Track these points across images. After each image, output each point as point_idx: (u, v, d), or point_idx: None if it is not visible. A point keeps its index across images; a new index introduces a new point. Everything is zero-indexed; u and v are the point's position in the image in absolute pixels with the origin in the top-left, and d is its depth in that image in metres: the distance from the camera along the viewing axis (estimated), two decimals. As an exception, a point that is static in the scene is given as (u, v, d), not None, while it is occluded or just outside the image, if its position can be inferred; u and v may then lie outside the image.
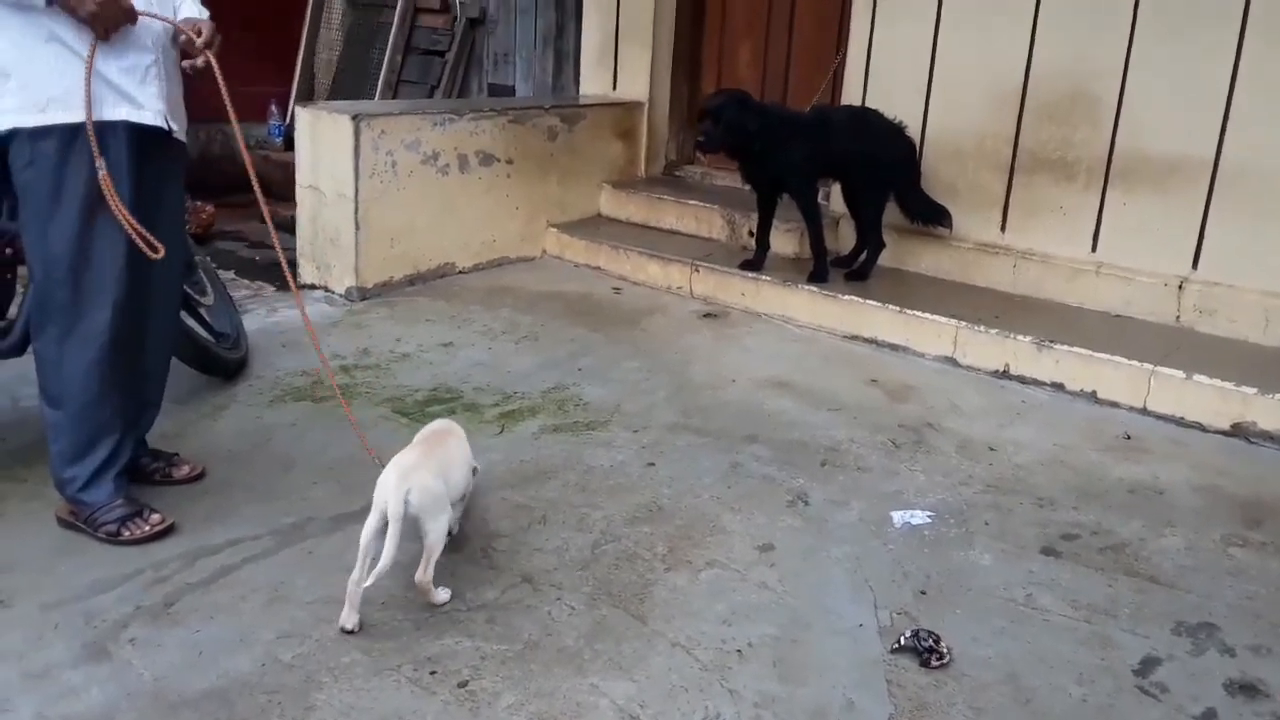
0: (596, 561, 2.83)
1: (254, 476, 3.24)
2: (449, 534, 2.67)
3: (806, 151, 4.63)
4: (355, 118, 4.79)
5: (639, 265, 5.35)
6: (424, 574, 2.52)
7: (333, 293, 5.08)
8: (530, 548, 2.88)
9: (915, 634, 2.48)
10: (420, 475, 2.51)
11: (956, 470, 3.40)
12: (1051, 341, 4.08)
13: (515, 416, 3.72)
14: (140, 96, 2.78)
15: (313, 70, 8.36)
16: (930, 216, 4.87)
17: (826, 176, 4.95)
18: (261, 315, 4.81)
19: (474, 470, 2.89)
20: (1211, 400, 3.72)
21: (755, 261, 4.98)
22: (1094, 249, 4.61)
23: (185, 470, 3.22)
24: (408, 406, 3.78)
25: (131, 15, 2.70)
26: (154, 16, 2.78)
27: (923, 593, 2.71)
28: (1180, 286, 4.35)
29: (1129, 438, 3.69)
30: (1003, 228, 4.86)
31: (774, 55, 5.96)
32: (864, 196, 4.84)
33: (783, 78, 5.92)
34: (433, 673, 2.36)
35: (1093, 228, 4.60)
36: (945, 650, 2.44)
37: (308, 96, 8.22)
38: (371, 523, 2.47)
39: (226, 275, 5.60)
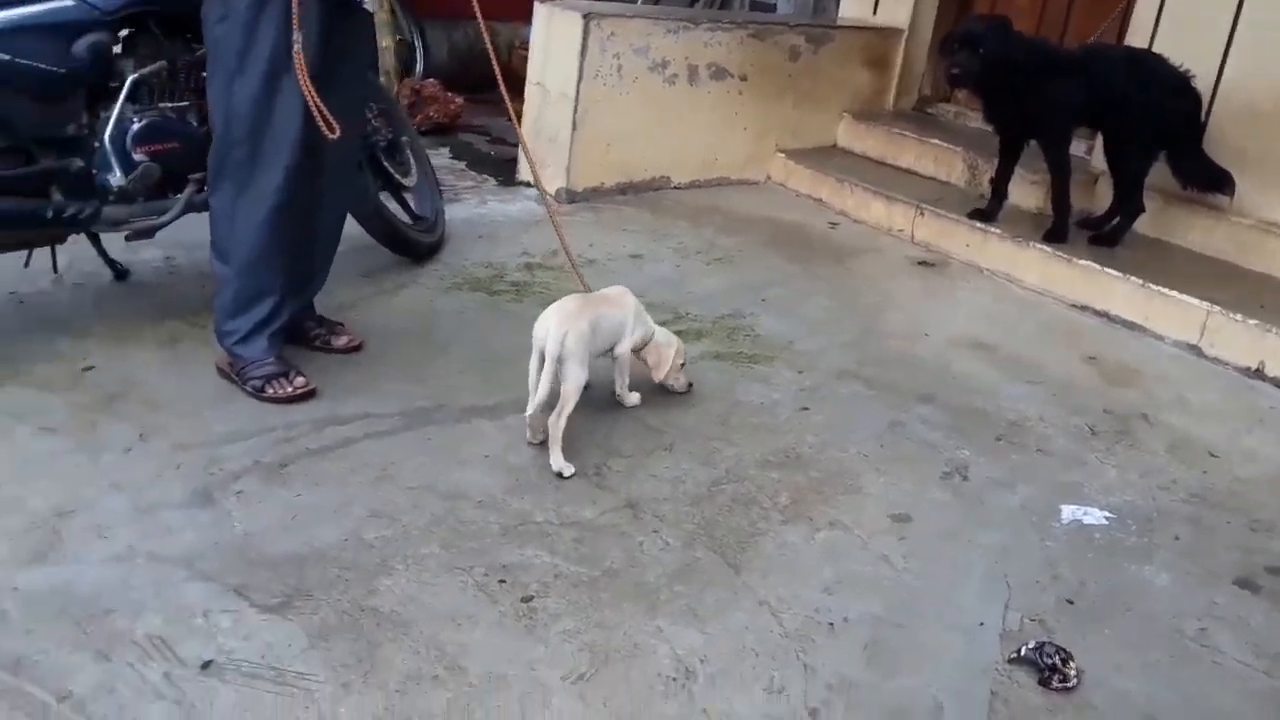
0: (710, 499, 2.62)
1: (407, 356, 3.24)
2: (586, 386, 2.79)
3: (1068, 95, 4.06)
4: (586, 16, 4.67)
5: (862, 202, 4.97)
6: (556, 419, 2.66)
7: (544, 192, 5.04)
8: (646, 472, 2.72)
9: (1040, 646, 2.12)
10: (579, 322, 2.68)
11: (1160, 471, 2.91)
12: (1321, 343, 3.42)
13: (681, 337, 3.53)
14: (329, -42, 2.75)
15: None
16: (1209, 182, 4.18)
17: (1088, 126, 4.34)
18: (472, 205, 4.85)
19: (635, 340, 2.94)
20: None
21: (989, 211, 4.48)
22: (1405, 240, 3.81)
23: (344, 340, 3.26)
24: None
25: None
26: None
27: (1070, 602, 2.33)
28: None
29: (1397, 470, 3.03)
30: (1295, 205, 4.11)
31: (1057, -16, 5.30)
32: (1129, 152, 4.20)
33: (1064, 10, 5.26)
34: (501, 581, 2.25)
35: None
36: (1073, 672, 2.07)
37: (577, 1, 8.21)
38: (534, 360, 2.71)
39: (458, 165, 5.74)
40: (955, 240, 4.54)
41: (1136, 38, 4.53)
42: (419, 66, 7.22)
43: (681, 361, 3.07)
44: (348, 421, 2.84)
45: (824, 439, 2.95)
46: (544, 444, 2.72)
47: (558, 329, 2.64)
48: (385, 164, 3.96)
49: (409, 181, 4.17)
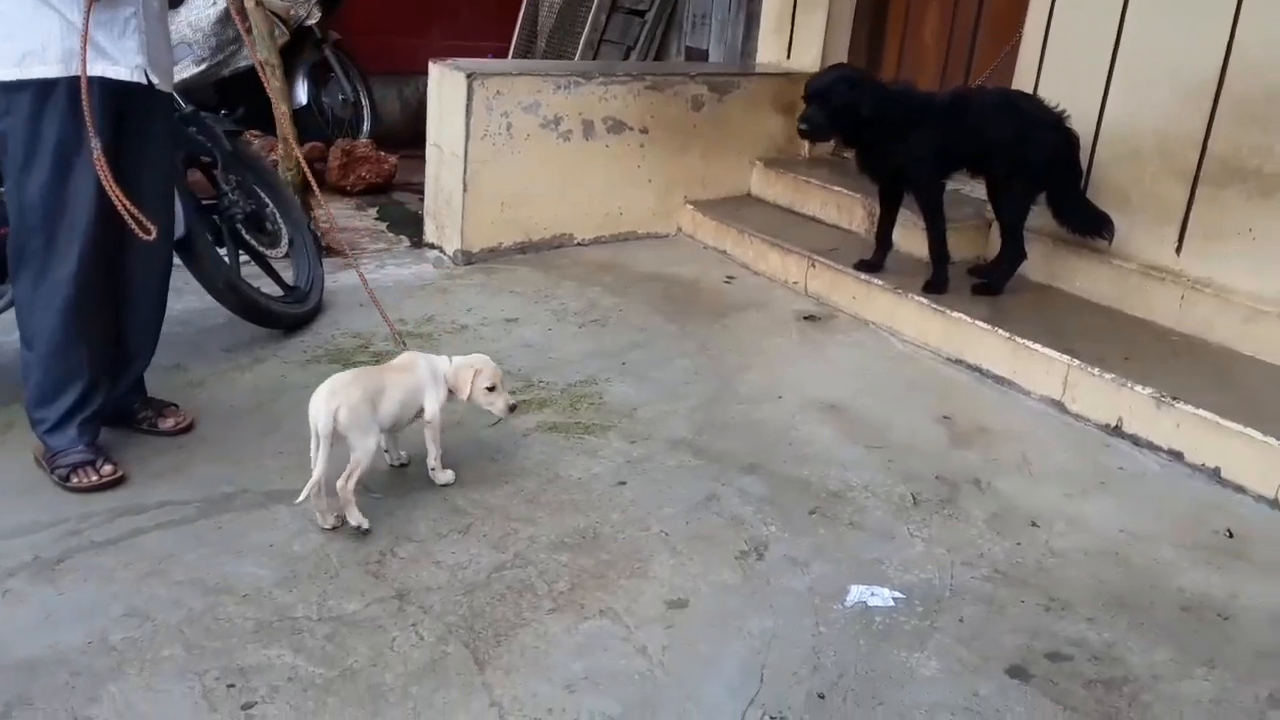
0: (486, 587, 2.56)
1: (235, 437, 3.22)
2: (404, 464, 3.01)
3: (932, 141, 3.98)
4: (470, 75, 4.67)
5: (760, 253, 4.91)
6: (343, 483, 2.69)
7: (444, 254, 5.04)
8: (431, 559, 2.66)
9: (761, 750, 2.03)
10: (349, 393, 2.68)
11: (970, 544, 2.80)
12: (1174, 398, 3.28)
13: (521, 408, 3.47)
14: (115, 51, 2.77)
15: (535, 27, 8.38)
16: (1088, 225, 4.08)
17: (963, 170, 4.25)
18: (367, 270, 4.82)
19: (421, 411, 2.92)
20: (1363, 505, 2.84)
21: (873, 262, 4.40)
22: (1286, 286, 3.67)
23: (171, 423, 3.25)
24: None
25: None
26: None
27: (821, 696, 2.23)
28: (1387, 346, 3.37)
29: (1230, 535, 2.89)
30: (1178, 249, 3.98)
31: (961, 26, 5.22)
32: (1006, 196, 4.11)
33: (967, 52, 5.18)
34: (231, 685, 2.20)
35: (1288, 260, 3.66)
36: (789, 779, 1.98)
37: (525, 54, 8.25)
38: (313, 441, 2.69)
39: (379, 227, 5.75)
40: (843, 292, 4.46)
41: (1023, 79, 4.44)
42: (366, 125, 7.28)
43: (488, 384, 2.94)
44: (144, 510, 2.82)
45: (629, 516, 2.88)
46: (336, 529, 2.73)
47: (327, 405, 2.66)
48: (246, 236, 3.98)
49: (277, 252, 4.18)
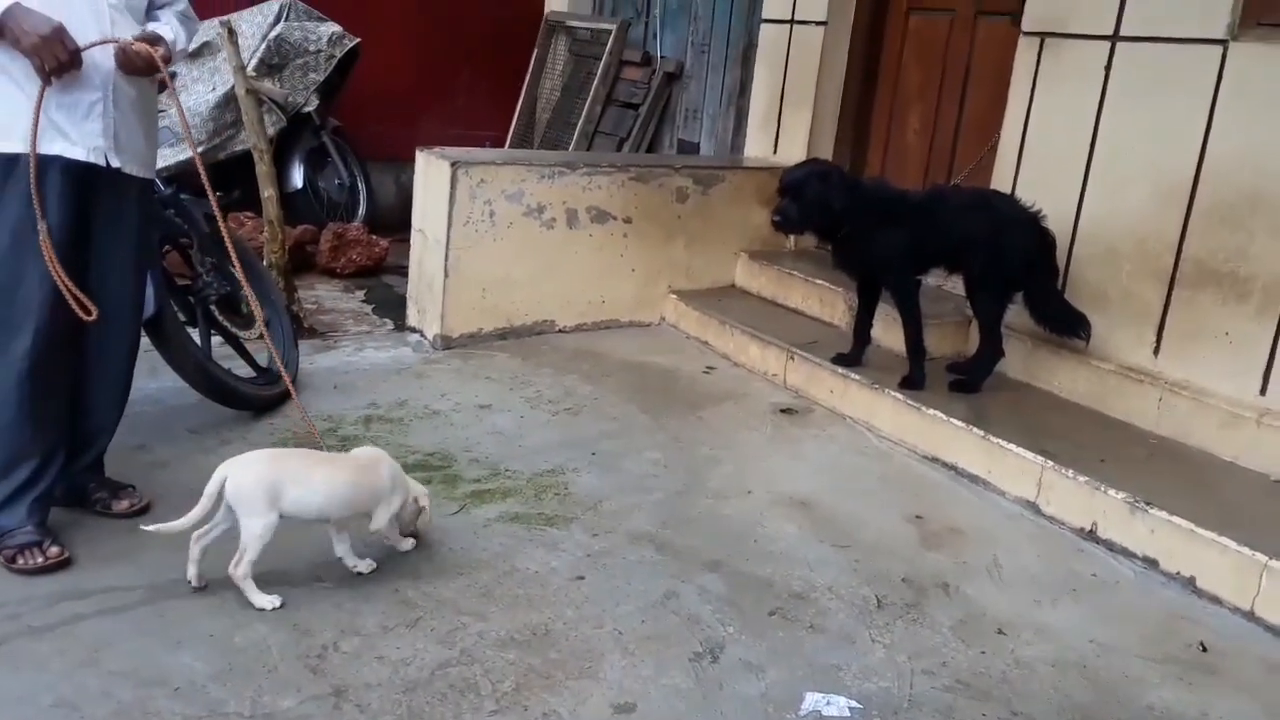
0: (428, 686, 2.47)
1: (188, 521, 3.15)
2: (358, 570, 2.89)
3: (905, 238, 3.99)
4: (454, 164, 4.72)
5: (741, 345, 4.89)
6: (233, 569, 2.68)
7: (424, 338, 5.03)
8: (374, 654, 2.58)
9: None
10: (244, 471, 2.68)
11: (933, 652, 2.71)
12: (1148, 503, 3.22)
13: (485, 497, 3.43)
14: (75, 132, 2.79)
15: (532, 118, 8.52)
16: (1064, 324, 4.06)
17: (939, 268, 4.25)
18: (345, 353, 4.83)
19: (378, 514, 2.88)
20: (1340, 619, 2.76)
21: (851, 356, 4.37)
22: (1263, 391, 3.63)
23: (126, 504, 3.19)
24: (391, 469, 3.59)
25: (76, 61, 2.71)
26: (101, 43, 2.77)
27: (765, 812, 2.13)
28: (1364, 455, 3.31)
29: (1204, 649, 2.80)
30: (1156, 350, 3.96)
31: (943, 126, 5.28)
32: (983, 294, 4.10)
33: (949, 151, 5.24)
34: (144, 786, 2.11)
35: (1264, 364, 3.63)
36: None
37: (522, 143, 8.38)
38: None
39: (365, 309, 5.76)
40: (821, 386, 4.42)
41: (1002, 178, 4.47)
42: (361, 209, 7.35)
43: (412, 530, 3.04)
44: (87, 595, 2.75)
45: (584, 613, 2.80)
46: (203, 590, 2.77)
47: (220, 472, 2.68)
48: (219, 317, 3.97)
49: (251, 334, 4.16)
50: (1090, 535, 3.36)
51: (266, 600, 2.70)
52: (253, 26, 6.48)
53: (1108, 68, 4.05)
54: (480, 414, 4.14)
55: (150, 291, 3.34)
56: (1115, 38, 4.03)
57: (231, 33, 5.06)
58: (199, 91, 6.37)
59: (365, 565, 2.90)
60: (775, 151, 5.86)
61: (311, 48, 6.58)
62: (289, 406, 4.09)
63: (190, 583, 2.76)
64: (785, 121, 5.81)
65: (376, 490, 2.84)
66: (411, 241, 5.20)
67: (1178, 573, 3.13)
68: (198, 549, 2.75)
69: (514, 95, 8.42)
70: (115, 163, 2.88)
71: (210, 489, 2.66)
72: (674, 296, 5.39)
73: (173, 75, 2.89)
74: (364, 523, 2.89)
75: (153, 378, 3.97)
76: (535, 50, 8.38)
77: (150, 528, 2.71)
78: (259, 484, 2.66)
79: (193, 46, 6.44)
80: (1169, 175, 3.87)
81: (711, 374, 4.79)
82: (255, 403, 3.98)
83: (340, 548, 2.88)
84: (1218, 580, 3.03)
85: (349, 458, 2.92)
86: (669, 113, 7.37)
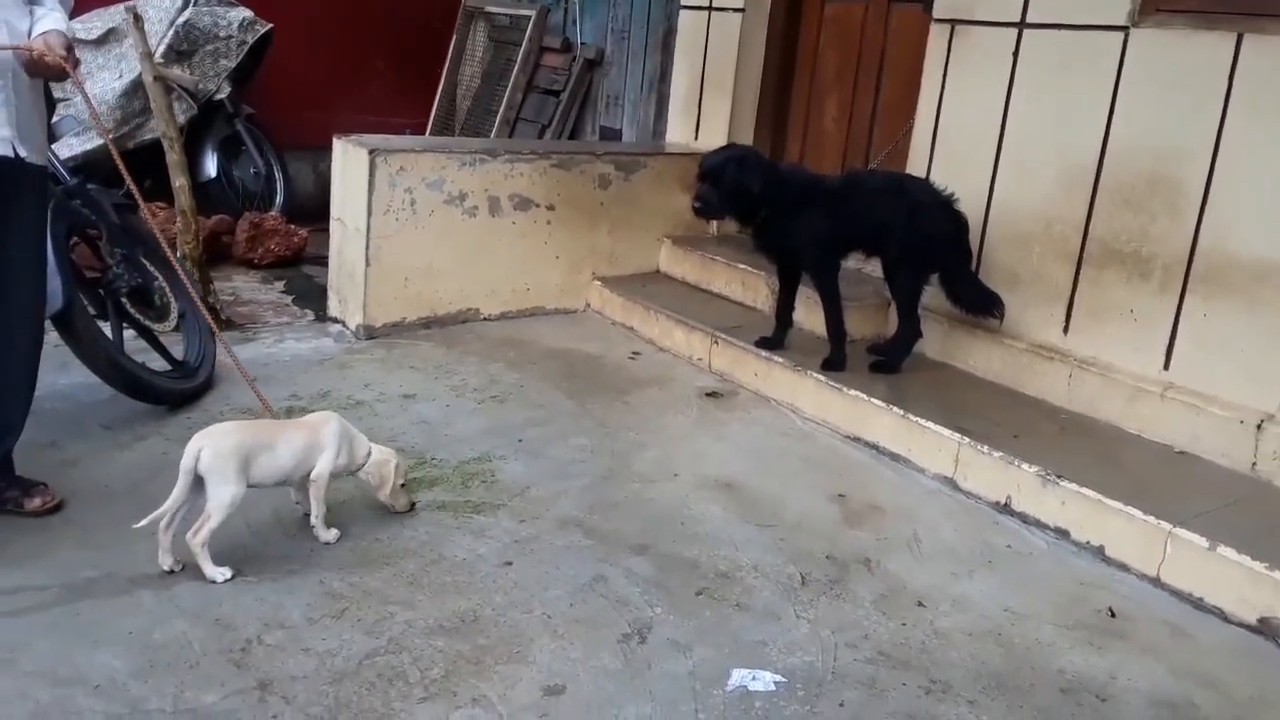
0: (355, 675, 2.46)
1: (105, 518, 3.07)
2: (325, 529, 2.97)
3: (823, 222, 4.06)
4: (373, 152, 4.66)
5: (666, 330, 4.92)
6: (193, 535, 2.71)
7: (346, 328, 4.97)
8: (300, 645, 2.55)
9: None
10: (222, 439, 2.74)
11: (855, 625, 2.78)
12: (1059, 476, 3.33)
13: (411, 486, 3.39)
14: (-16, 124, 2.70)
15: (453, 104, 8.44)
16: (979, 305, 4.17)
17: (856, 251, 4.33)
18: (264, 344, 4.74)
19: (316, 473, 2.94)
20: (1238, 581, 2.89)
21: (773, 339, 4.43)
22: (1166, 366, 3.77)
23: (38, 502, 3.11)
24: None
25: None
26: (12, 48, 2.70)
27: (694, 787, 2.17)
28: (1260, 426, 3.46)
29: (1113, 614, 2.91)
30: (1065, 328, 4.09)
31: (859, 112, 5.37)
32: (899, 276, 4.19)
33: (866, 137, 5.33)
34: (66, 786, 2.07)
35: (1166, 339, 3.77)
36: None
37: (443, 130, 8.29)
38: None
39: (284, 300, 5.66)
40: (745, 369, 4.48)
41: (916, 163, 4.56)
42: (279, 198, 7.19)
43: (401, 481, 3.13)
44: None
45: (512, 599, 2.81)
46: (172, 573, 2.78)
47: (194, 444, 2.72)
48: (131, 310, 3.87)
49: (165, 326, 4.08)
50: (1005, 509, 3.47)
51: (219, 572, 2.75)
52: (160, 12, 6.29)
53: (1015, 54, 4.17)
54: (405, 404, 4.11)
55: (58, 285, 3.25)
56: (1022, 24, 4.15)
57: (138, 18, 4.92)
58: (105, 79, 6.18)
59: (332, 535, 3.00)
60: (697, 137, 5.90)
61: (222, 33, 6.41)
62: (206, 400, 4.02)
63: (165, 569, 2.78)
64: (706, 107, 5.85)
65: (323, 445, 2.94)
66: (331, 231, 5.12)
67: (1088, 542, 3.25)
68: (167, 537, 2.76)
69: (433, 82, 8.33)
70: (22, 152, 2.80)
71: (186, 464, 2.69)
72: (598, 283, 5.40)
73: (76, 64, 2.81)
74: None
75: (63, 373, 3.87)
76: (454, 36, 8.30)
77: (139, 524, 2.71)
78: (236, 452, 2.73)
79: (96, 34, 6.27)
80: (1074, 159, 3.99)
81: (637, 359, 4.81)
82: (171, 396, 3.90)
83: (315, 511, 2.96)
84: (1125, 548, 3.15)
85: (303, 421, 3.03)
86: (590, 99, 7.36)
